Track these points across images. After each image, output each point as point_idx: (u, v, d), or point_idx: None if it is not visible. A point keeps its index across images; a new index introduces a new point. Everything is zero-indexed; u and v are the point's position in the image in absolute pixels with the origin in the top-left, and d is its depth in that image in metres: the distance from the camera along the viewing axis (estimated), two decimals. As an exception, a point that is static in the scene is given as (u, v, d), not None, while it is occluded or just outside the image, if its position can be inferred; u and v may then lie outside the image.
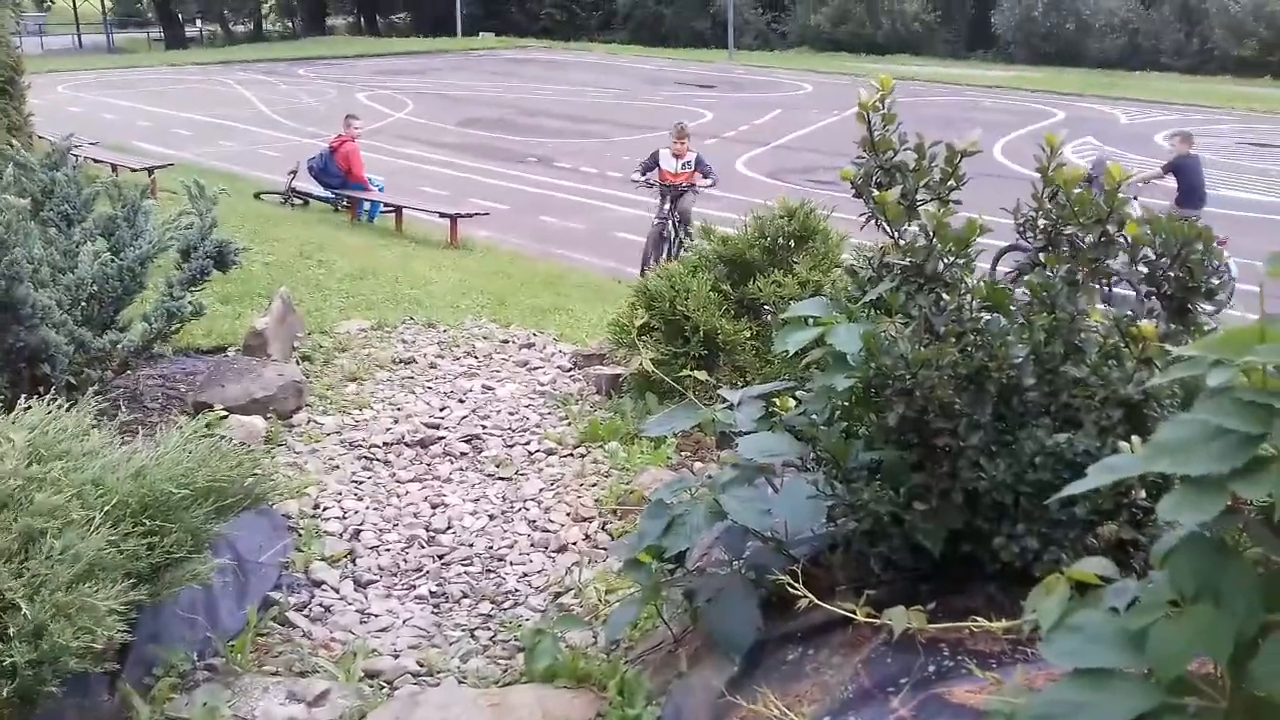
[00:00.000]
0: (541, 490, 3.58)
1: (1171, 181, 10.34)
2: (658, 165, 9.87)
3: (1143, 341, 1.95)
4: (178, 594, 2.34)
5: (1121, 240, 2.12)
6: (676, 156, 9.82)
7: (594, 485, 3.58)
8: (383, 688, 2.43)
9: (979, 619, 1.68)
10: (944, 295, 2.11)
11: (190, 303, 4.08)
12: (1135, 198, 9.80)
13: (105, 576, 2.08)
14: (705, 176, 9.93)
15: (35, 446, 2.39)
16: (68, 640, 1.95)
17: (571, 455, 3.87)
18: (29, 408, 2.59)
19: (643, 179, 9.92)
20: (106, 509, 2.21)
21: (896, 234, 2.18)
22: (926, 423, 2.00)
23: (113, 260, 3.98)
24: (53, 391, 3.01)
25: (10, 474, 2.24)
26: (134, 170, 11.73)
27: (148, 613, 2.29)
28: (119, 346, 3.91)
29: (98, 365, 3.88)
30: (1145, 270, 2.07)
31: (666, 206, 9.77)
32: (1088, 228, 2.14)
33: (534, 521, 3.35)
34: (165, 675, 2.28)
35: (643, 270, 8.64)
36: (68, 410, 2.62)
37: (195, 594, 2.47)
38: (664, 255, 9.39)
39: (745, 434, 2.29)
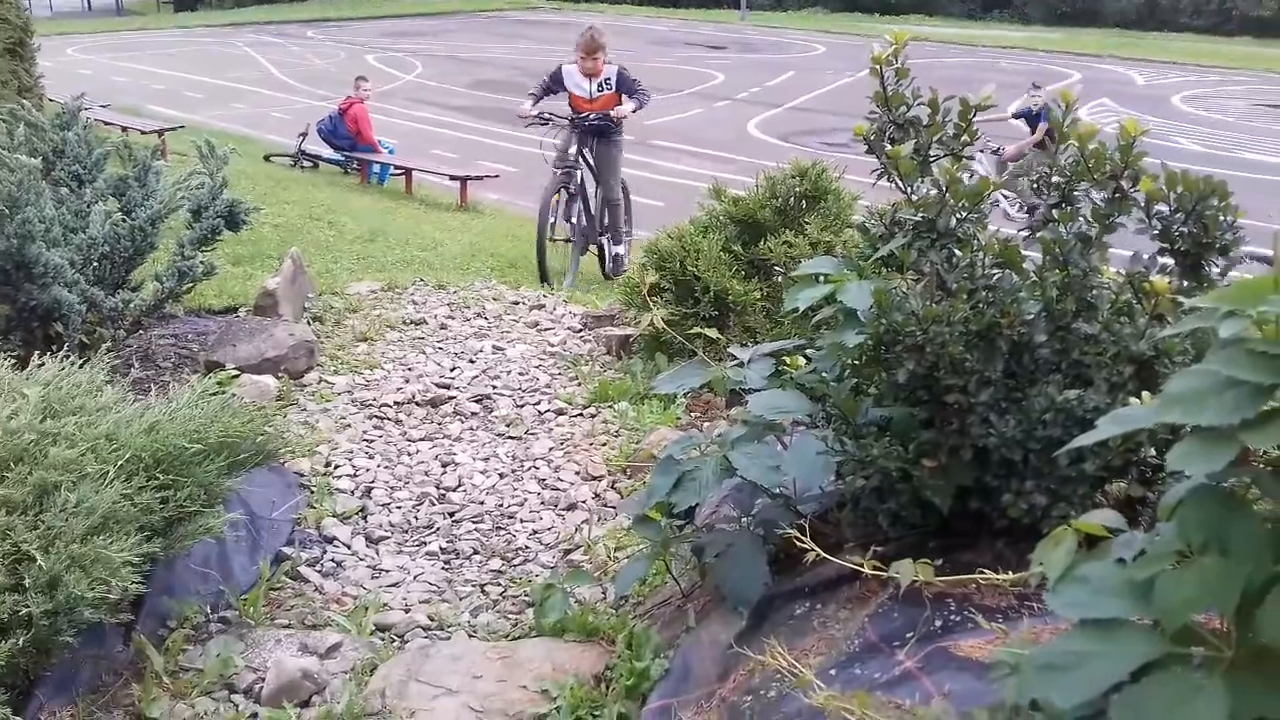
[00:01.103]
0: (551, 449, 3.59)
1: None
2: (561, 88, 7.10)
3: (1155, 297, 1.93)
4: (191, 548, 2.36)
5: (1135, 196, 2.11)
6: (588, 76, 6.99)
7: (603, 445, 3.60)
8: (394, 640, 2.46)
9: (986, 572, 1.69)
10: (956, 251, 2.10)
11: (201, 262, 4.09)
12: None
13: (119, 529, 2.10)
14: (630, 98, 7.05)
15: (49, 402, 2.42)
16: (83, 591, 1.98)
17: (581, 415, 3.88)
18: (42, 364, 2.61)
19: (533, 112, 6.91)
20: (120, 463, 2.23)
21: (909, 189, 2.17)
22: (937, 379, 1.99)
23: (124, 220, 3.99)
24: (65, 349, 3.03)
25: (25, 428, 2.26)
26: (144, 132, 11.71)
27: (161, 566, 2.31)
28: (131, 305, 3.93)
29: (110, 324, 3.90)
30: (1159, 226, 2.05)
31: (572, 149, 6.96)
32: (1101, 184, 2.12)
33: (544, 480, 3.36)
34: (179, 627, 2.31)
35: (541, 246, 6.70)
36: (81, 367, 2.64)
37: (208, 548, 2.50)
38: (572, 218, 7.06)
39: (755, 391, 2.29)
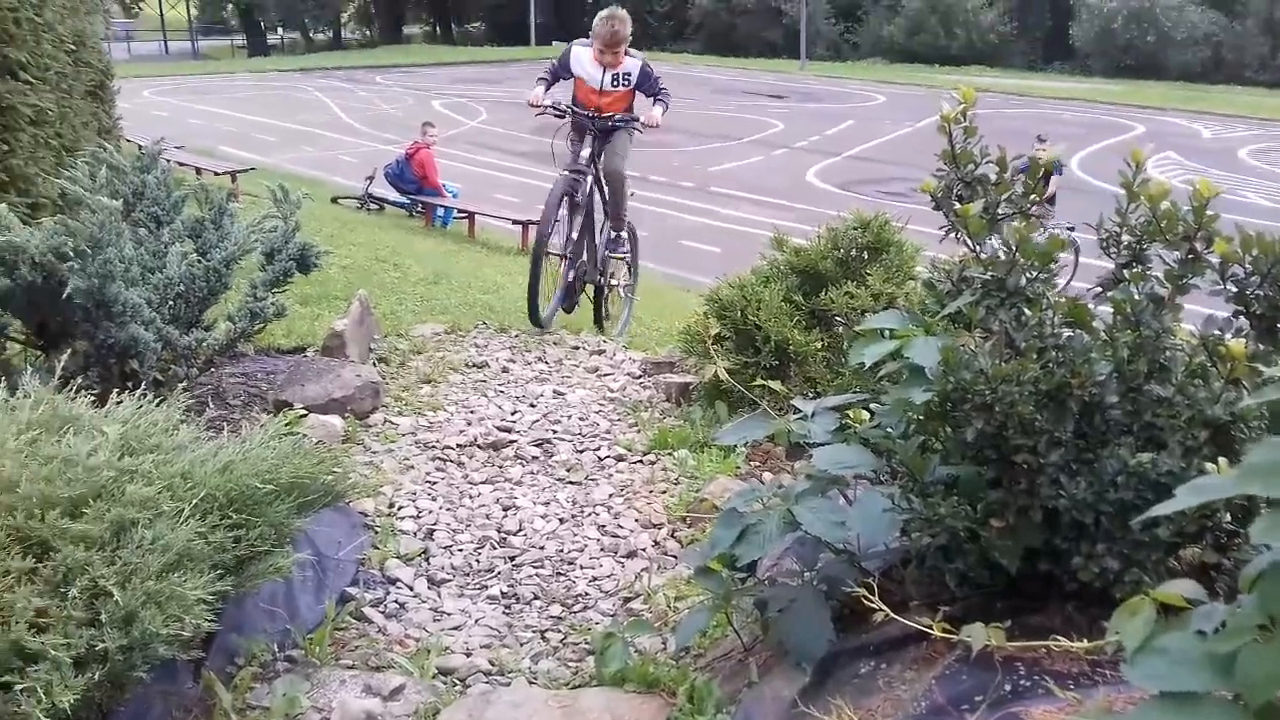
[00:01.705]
0: (611, 496, 3.60)
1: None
2: (569, 74, 6.11)
3: (1231, 361, 1.91)
4: (260, 586, 2.40)
5: (1209, 258, 2.09)
6: (605, 67, 5.98)
7: (663, 492, 3.60)
8: (455, 685, 2.47)
9: (1059, 638, 1.67)
10: (1025, 310, 2.09)
11: (273, 303, 4.18)
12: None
13: (193, 567, 2.15)
14: (653, 99, 6.09)
15: (127, 439, 2.48)
16: (157, 627, 2.02)
17: (641, 462, 3.89)
18: (120, 402, 2.68)
19: (545, 101, 6.02)
20: (195, 502, 2.28)
21: (978, 247, 2.17)
22: (1005, 439, 1.98)
23: (199, 261, 4.10)
24: (142, 387, 3.11)
25: (104, 465, 2.32)
26: (216, 174, 12.05)
27: (231, 604, 2.35)
28: (204, 344, 4.02)
29: (183, 362, 3.99)
30: (1234, 289, 2.03)
31: (586, 151, 5.99)
32: (1174, 244, 2.11)
33: (604, 526, 3.38)
34: (247, 665, 2.35)
35: (537, 257, 5.73)
36: (157, 406, 2.71)
37: (276, 587, 2.54)
38: (572, 233, 6.03)
39: (819, 445, 2.29)
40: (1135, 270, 2.17)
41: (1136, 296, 2.09)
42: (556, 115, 6.06)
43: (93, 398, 2.69)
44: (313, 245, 4.37)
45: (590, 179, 6.04)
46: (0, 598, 1.98)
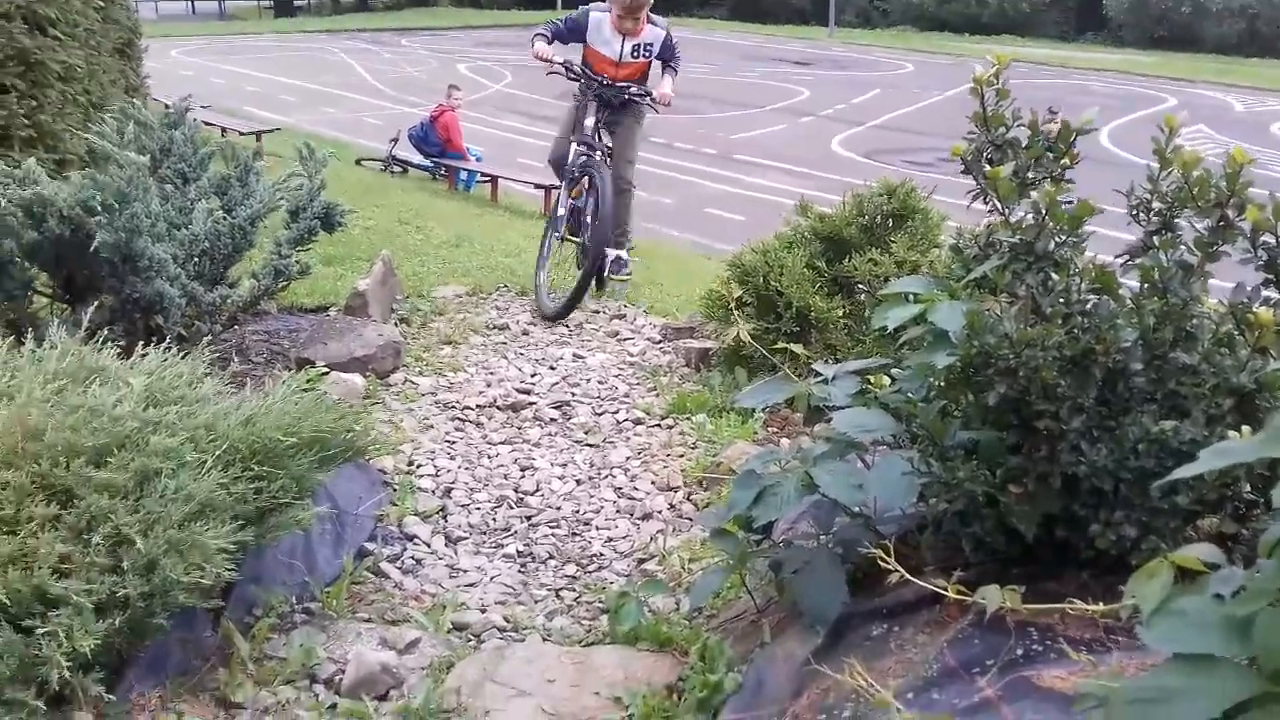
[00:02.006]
0: (628, 458, 3.61)
1: None
2: (580, 39, 5.64)
3: (1259, 329, 1.89)
4: (280, 538, 2.42)
5: (1240, 225, 2.06)
6: (624, 36, 5.54)
7: (680, 456, 3.61)
8: (470, 640, 2.49)
9: (1075, 602, 1.66)
10: (1053, 275, 2.07)
11: (297, 262, 4.20)
12: None
13: (215, 517, 2.17)
14: (667, 72, 5.68)
15: (152, 391, 2.50)
16: (179, 575, 2.05)
17: (659, 426, 3.90)
18: (146, 354, 2.70)
19: (556, 58, 5.48)
20: (218, 453, 2.31)
21: (1007, 211, 2.15)
22: (1028, 404, 1.97)
23: (225, 218, 4.11)
24: (166, 341, 3.13)
25: (129, 416, 2.34)
26: (241, 134, 12.07)
27: (251, 554, 2.38)
28: (228, 301, 4.04)
29: (207, 318, 4.01)
30: (1265, 256, 2.00)
31: (591, 120, 5.52)
32: (1205, 211, 2.08)
33: (620, 488, 3.39)
34: (265, 615, 2.38)
35: (547, 240, 5.53)
36: (182, 359, 2.73)
37: (295, 539, 2.56)
38: (590, 217, 5.47)
39: (839, 409, 2.28)
40: (1165, 237, 2.14)
41: (1165, 264, 2.07)
42: (570, 77, 5.56)
43: (118, 350, 2.72)
44: (337, 204, 4.37)
45: (596, 157, 5.51)
46: (24, 543, 2.02)
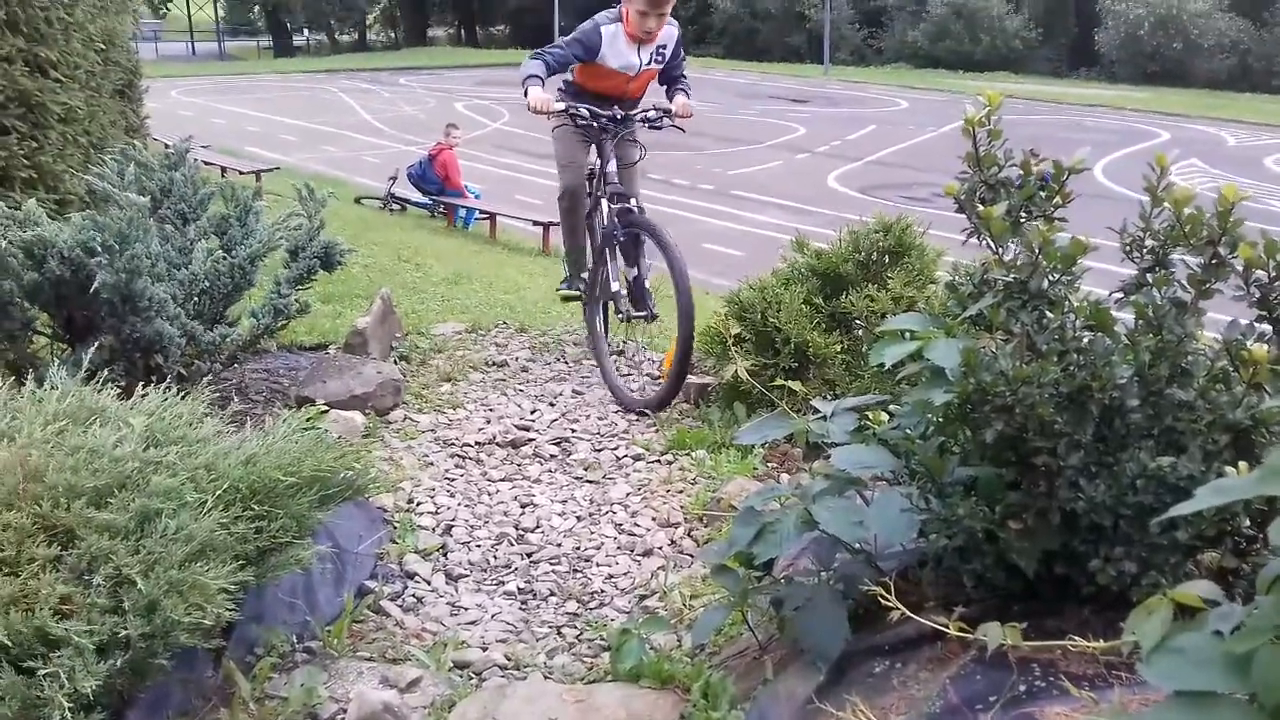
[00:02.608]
0: (628, 495, 3.61)
1: None
2: (591, 59, 4.68)
3: (1253, 366, 1.90)
4: (280, 578, 2.42)
5: (1233, 263, 2.08)
6: (640, 43, 4.72)
7: (680, 492, 3.61)
8: (471, 679, 2.49)
9: (1075, 639, 1.66)
10: (1047, 313, 2.09)
11: (296, 300, 4.22)
12: None
13: (216, 557, 2.17)
14: (676, 85, 4.94)
15: (152, 431, 2.51)
16: (179, 616, 2.04)
17: (659, 461, 3.90)
18: (146, 395, 2.71)
19: (559, 105, 4.63)
20: (218, 493, 2.31)
21: (1000, 250, 2.17)
22: (1025, 441, 1.98)
23: (224, 258, 4.14)
24: (166, 381, 3.14)
25: (129, 456, 2.35)
26: (242, 173, 12.14)
27: (252, 594, 2.37)
28: (228, 340, 4.05)
29: (207, 358, 4.03)
30: (1257, 294, 2.02)
31: (612, 165, 4.68)
32: (1198, 249, 2.10)
33: (620, 525, 3.39)
34: (266, 655, 2.37)
35: (599, 319, 4.96)
36: (182, 399, 2.74)
37: (296, 579, 2.56)
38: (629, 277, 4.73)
39: (838, 445, 2.29)
40: (1158, 274, 2.16)
41: (1159, 301, 2.09)
42: (581, 124, 4.68)
43: (118, 390, 2.73)
44: (336, 243, 4.40)
45: (633, 200, 4.71)
46: (25, 584, 2.01)
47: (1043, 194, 2.26)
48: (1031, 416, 1.96)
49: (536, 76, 4.54)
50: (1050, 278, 2.08)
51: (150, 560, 2.11)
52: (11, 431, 2.37)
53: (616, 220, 4.63)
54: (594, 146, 4.81)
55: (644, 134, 4.95)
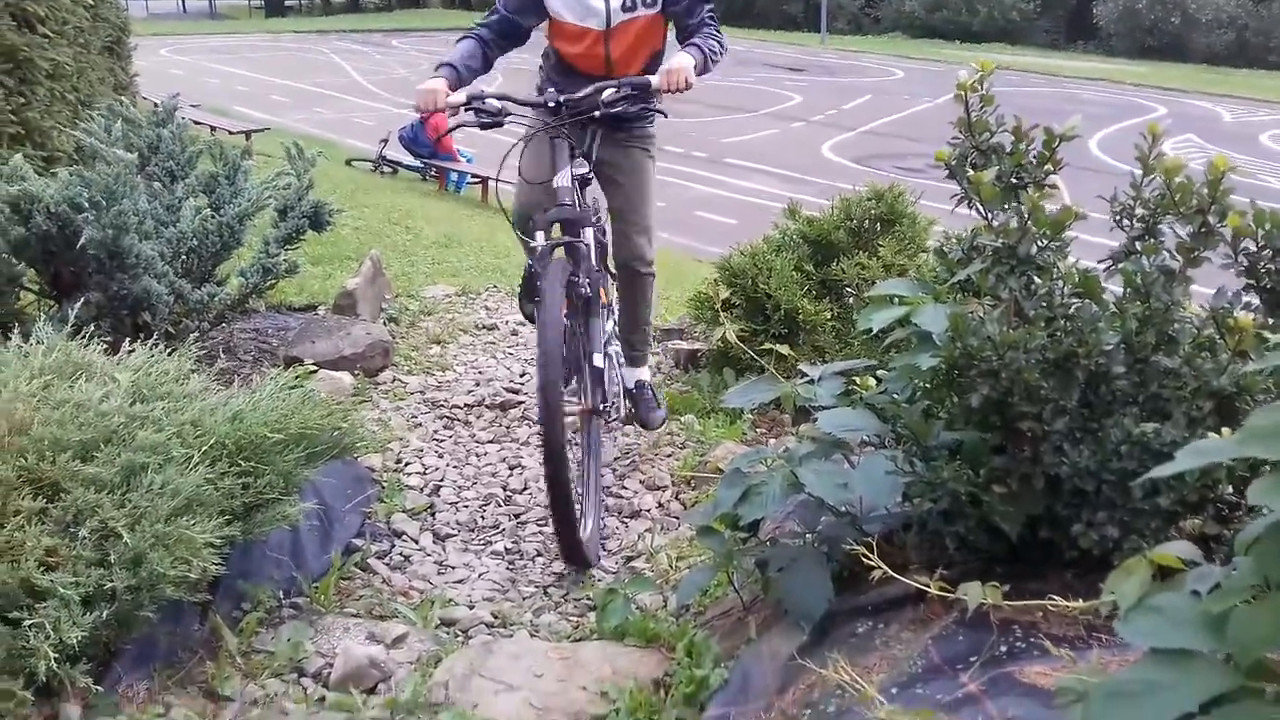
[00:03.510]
0: (616, 458, 3.62)
1: None
2: (532, 11, 3.36)
3: (1239, 333, 1.91)
4: (267, 534, 2.43)
5: (1222, 232, 2.09)
6: None
7: (668, 456, 3.62)
8: (458, 636, 2.51)
9: (1057, 599, 1.68)
10: (1035, 279, 2.09)
11: (285, 260, 4.20)
12: None
13: (202, 512, 2.18)
14: (690, 41, 3.25)
15: (138, 387, 2.51)
16: (165, 569, 2.05)
17: (646, 427, 3.91)
18: (133, 351, 2.70)
19: (458, 99, 3.12)
20: (205, 449, 2.31)
21: (990, 216, 2.17)
22: (1011, 405, 1.99)
23: (213, 216, 4.11)
24: (154, 339, 3.13)
25: (115, 411, 2.35)
26: (231, 133, 12.04)
27: (238, 550, 2.38)
28: (216, 299, 4.04)
29: (195, 316, 4.01)
30: (1245, 262, 2.03)
31: (564, 174, 3.15)
32: (1187, 217, 2.10)
33: (608, 488, 3.40)
34: (253, 610, 2.38)
35: (560, 482, 2.70)
36: (169, 356, 2.73)
37: (283, 535, 2.57)
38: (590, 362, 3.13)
39: (824, 409, 2.30)
40: (1147, 243, 2.16)
41: (1148, 269, 2.09)
42: (487, 122, 3.20)
43: (105, 346, 2.72)
44: (326, 203, 4.38)
45: (587, 241, 3.16)
46: (11, 536, 2.02)
47: (1034, 161, 2.26)
48: (1018, 381, 1.96)
49: (447, 64, 3.23)
50: (1039, 243, 2.09)
51: (136, 514, 2.11)
52: (-3, 385, 2.37)
53: (544, 270, 2.92)
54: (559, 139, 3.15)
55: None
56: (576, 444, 3.10)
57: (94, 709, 2.00)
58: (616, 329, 3.63)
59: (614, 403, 3.34)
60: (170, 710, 2.07)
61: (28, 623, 1.90)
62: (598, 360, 3.12)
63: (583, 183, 3.28)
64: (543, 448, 2.77)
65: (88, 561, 2.04)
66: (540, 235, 3.09)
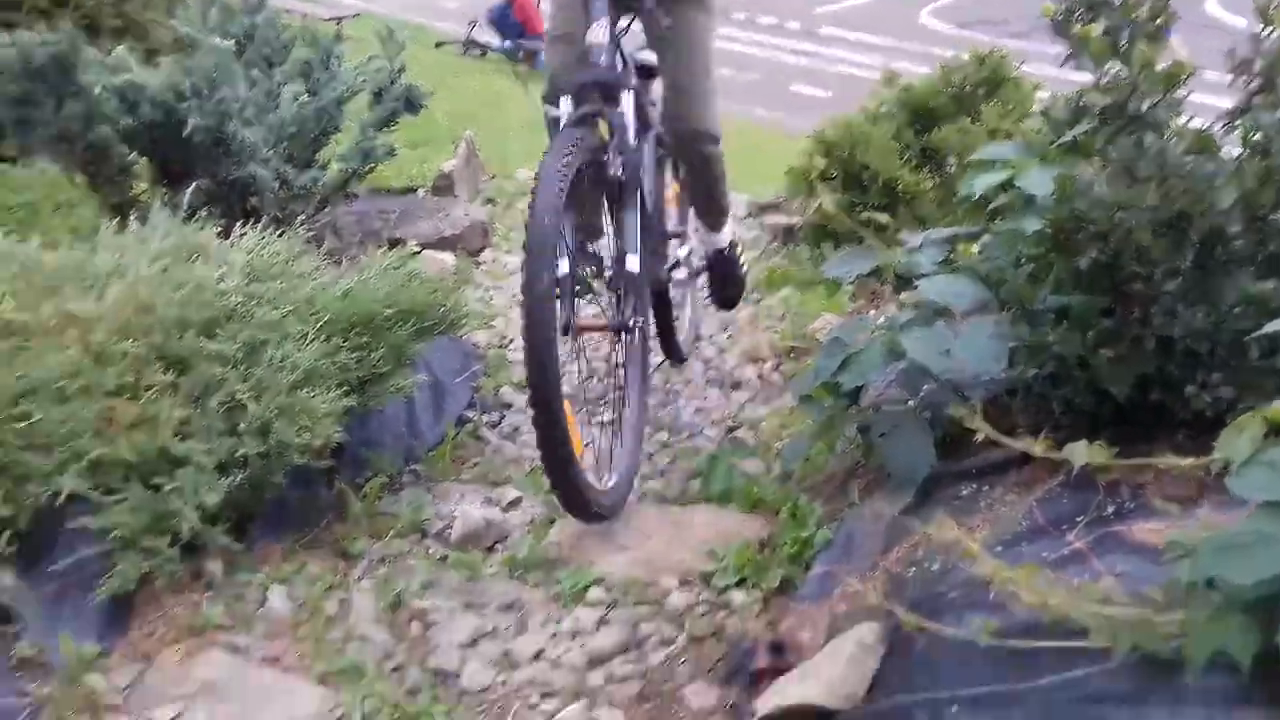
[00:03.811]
0: (717, 332, 3.65)
1: None
2: None
3: (1366, 188, 1.83)
4: (384, 404, 2.54)
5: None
6: None
7: (768, 329, 3.63)
8: (569, 501, 2.59)
9: (1165, 457, 1.67)
10: (1146, 137, 2.02)
11: (382, 144, 4.25)
12: None
13: (320, 384, 2.28)
14: None
15: (253, 267, 2.60)
16: (290, 437, 2.17)
17: (746, 300, 3.91)
18: (244, 234, 2.79)
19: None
20: (319, 325, 2.40)
21: (1098, 73, 2.10)
22: (1120, 268, 1.95)
23: (310, 101, 4.17)
24: (263, 223, 3.23)
25: (233, 290, 2.44)
26: (323, 20, 12.04)
27: (358, 420, 2.49)
28: (319, 184, 4.12)
29: (300, 201, 4.11)
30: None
31: (602, 33, 2.48)
32: (1312, 67, 2.00)
33: (709, 360, 3.44)
34: (375, 476, 2.51)
35: (540, 346, 2.23)
36: (279, 237, 2.82)
37: (398, 407, 2.68)
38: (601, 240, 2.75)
39: (926, 277, 2.28)
40: (1267, 97, 2.07)
41: (1267, 124, 2.00)
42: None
43: (218, 230, 2.81)
44: (418, 86, 4.39)
45: (623, 110, 2.59)
46: (145, 408, 2.14)
47: (1144, 14, 2.16)
48: (1128, 244, 1.92)
49: None
50: (1150, 100, 2.01)
51: (260, 387, 2.22)
52: (121, 269, 2.47)
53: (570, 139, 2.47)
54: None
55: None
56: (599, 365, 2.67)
57: (235, 566, 2.15)
58: (687, 229, 3.25)
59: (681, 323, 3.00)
60: (305, 567, 2.21)
61: (168, 487, 2.04)
62: (631, 264, 2.50)
63: (644, 71, 2.87)
64: (525, 366, 2.26)
65: (218, 431, 2.16)
66: (565, 102, 2.53)
